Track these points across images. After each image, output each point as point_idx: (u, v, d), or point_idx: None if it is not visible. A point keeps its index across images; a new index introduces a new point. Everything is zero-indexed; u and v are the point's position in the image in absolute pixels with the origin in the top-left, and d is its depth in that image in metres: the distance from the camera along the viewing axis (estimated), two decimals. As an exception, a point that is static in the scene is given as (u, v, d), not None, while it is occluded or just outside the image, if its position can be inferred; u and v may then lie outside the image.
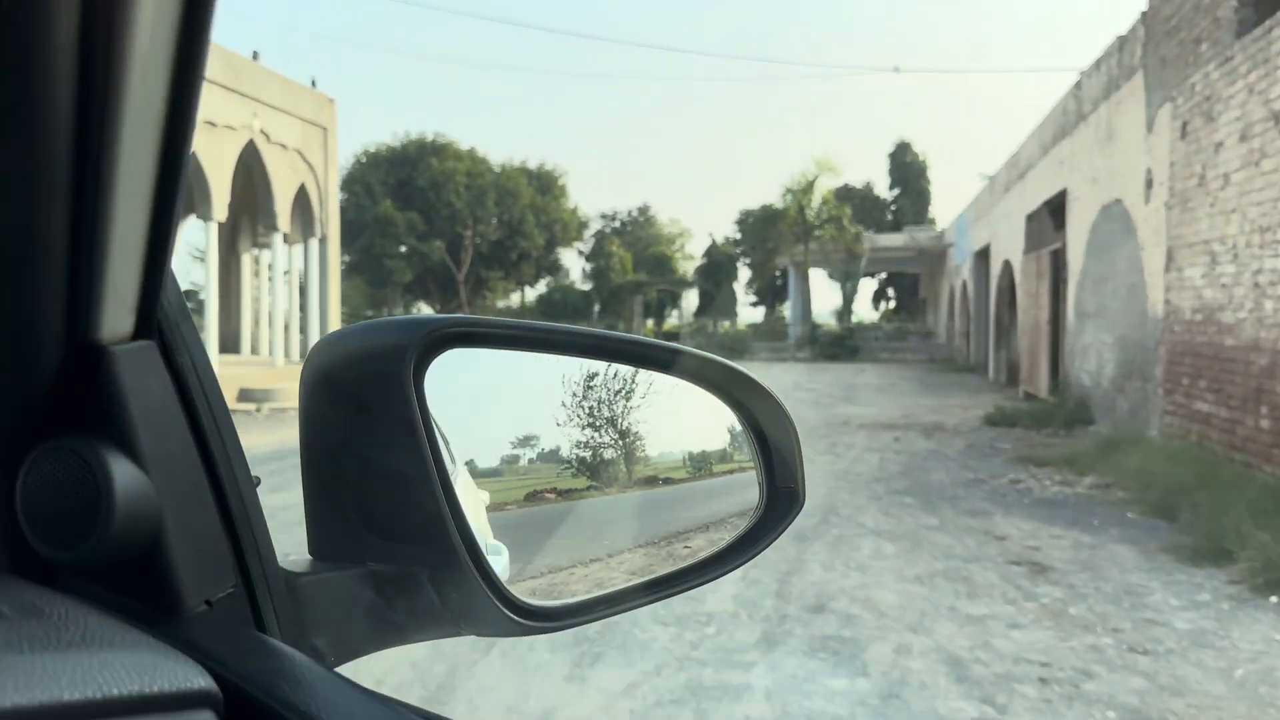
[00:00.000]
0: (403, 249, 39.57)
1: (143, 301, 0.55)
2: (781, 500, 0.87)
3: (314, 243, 19.17)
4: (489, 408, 0.80)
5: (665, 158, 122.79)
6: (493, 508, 0.75)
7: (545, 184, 44.32)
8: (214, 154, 15.36)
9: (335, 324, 19.67)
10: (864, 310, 54.05)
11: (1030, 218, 18.72)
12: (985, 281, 27.08)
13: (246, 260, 22.75)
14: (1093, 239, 14.29)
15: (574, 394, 0.79)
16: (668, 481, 0.87)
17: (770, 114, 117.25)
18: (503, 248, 41.36)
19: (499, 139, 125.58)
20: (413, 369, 0.66)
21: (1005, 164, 21.51)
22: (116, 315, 0.54)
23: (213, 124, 15.21)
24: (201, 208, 15.49)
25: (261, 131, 16.63)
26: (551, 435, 0.78)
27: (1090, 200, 14.39)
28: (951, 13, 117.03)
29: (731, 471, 0.90)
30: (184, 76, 0.45)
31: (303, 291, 19.72)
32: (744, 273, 49.96)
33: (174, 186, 0.49)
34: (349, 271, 42.01)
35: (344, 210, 41.07)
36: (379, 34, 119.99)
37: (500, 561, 0.72)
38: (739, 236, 48.71)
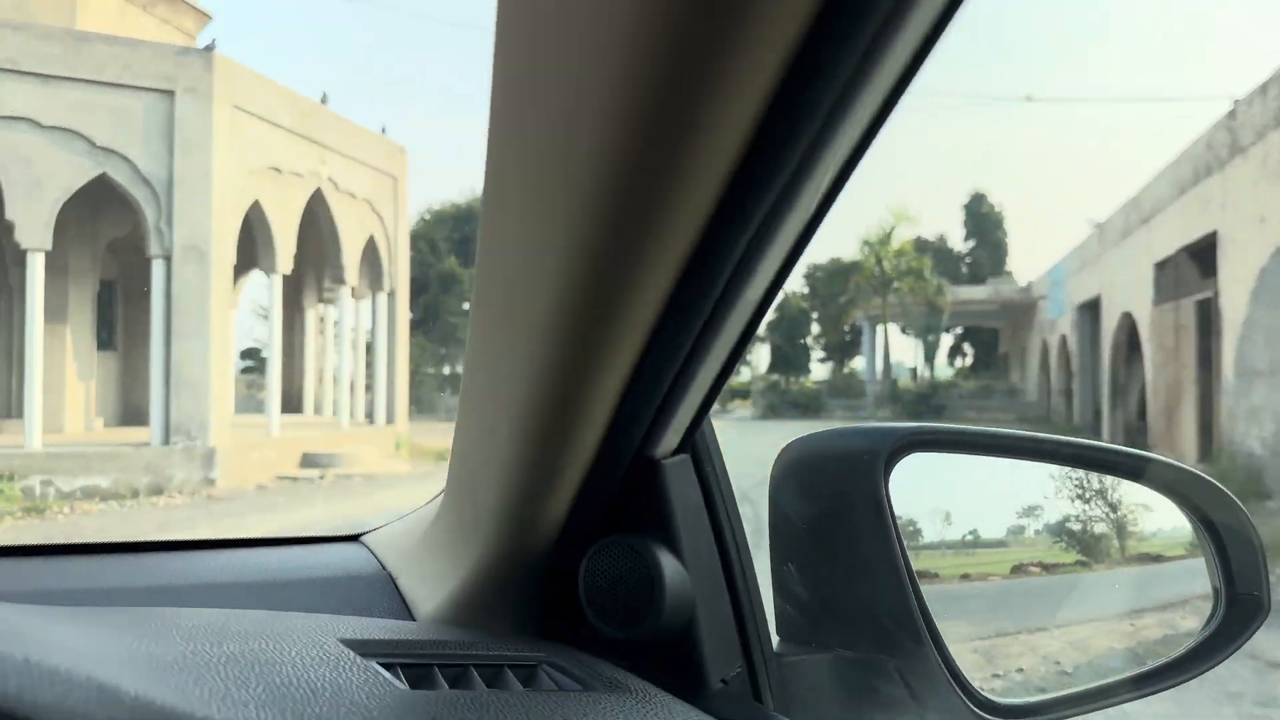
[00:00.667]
0: (465, 306, 38.61)
1: (691, 424, 0.68)
2: (1243, 606, 0.85)
3: (382, 297, 17.94)
4: (952, 505, 0.87)
5: None
6: (975, 577, 0.85)
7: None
8: (279, 202, 14.22)
9: (403, 384, 18.37)
10: (938, 366, 51.91)
11: (1162, 265, 16.85)
12: (1093, 335, 25.02)
13: (311, 316, 21.66)
14: (1262, 286, 12.43)
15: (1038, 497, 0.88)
16: (1158, 558, 0.93)
17: None
18: (567, 303, 40.26)
19: None
20: (883, 470, 0.76)
21: (1122, 208, 19.69)
22: (671, 435, 0.66)
23: (278, 170, 14.10)
24: (265, 260, 14.33)
25: (330, 179, 15.51)
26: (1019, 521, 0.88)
27: (1256, 242, 12.56)
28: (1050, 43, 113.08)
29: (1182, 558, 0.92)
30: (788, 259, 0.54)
31: (369, 349, 18.47)
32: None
33: (746, 341, 0.59)
34: (413, 328, 41.12)
35: (409, 268, 40.43)
36: (449, 84, 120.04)
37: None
38: (806, 290, 47.14)
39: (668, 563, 0.64)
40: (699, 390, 0.61)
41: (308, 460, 14.69)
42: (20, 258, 13.99)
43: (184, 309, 12.35)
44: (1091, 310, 24.61)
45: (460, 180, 51.45)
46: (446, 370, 38.95)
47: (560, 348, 0.52)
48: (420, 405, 36.24)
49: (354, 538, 1.03)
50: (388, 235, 17.72)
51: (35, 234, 11.55)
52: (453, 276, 37.64)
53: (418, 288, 39.22)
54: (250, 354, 39.69)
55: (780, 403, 34.17)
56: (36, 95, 11.43)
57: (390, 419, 17.94)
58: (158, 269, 12.39)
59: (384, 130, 17.69)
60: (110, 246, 15.27)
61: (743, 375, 46.94)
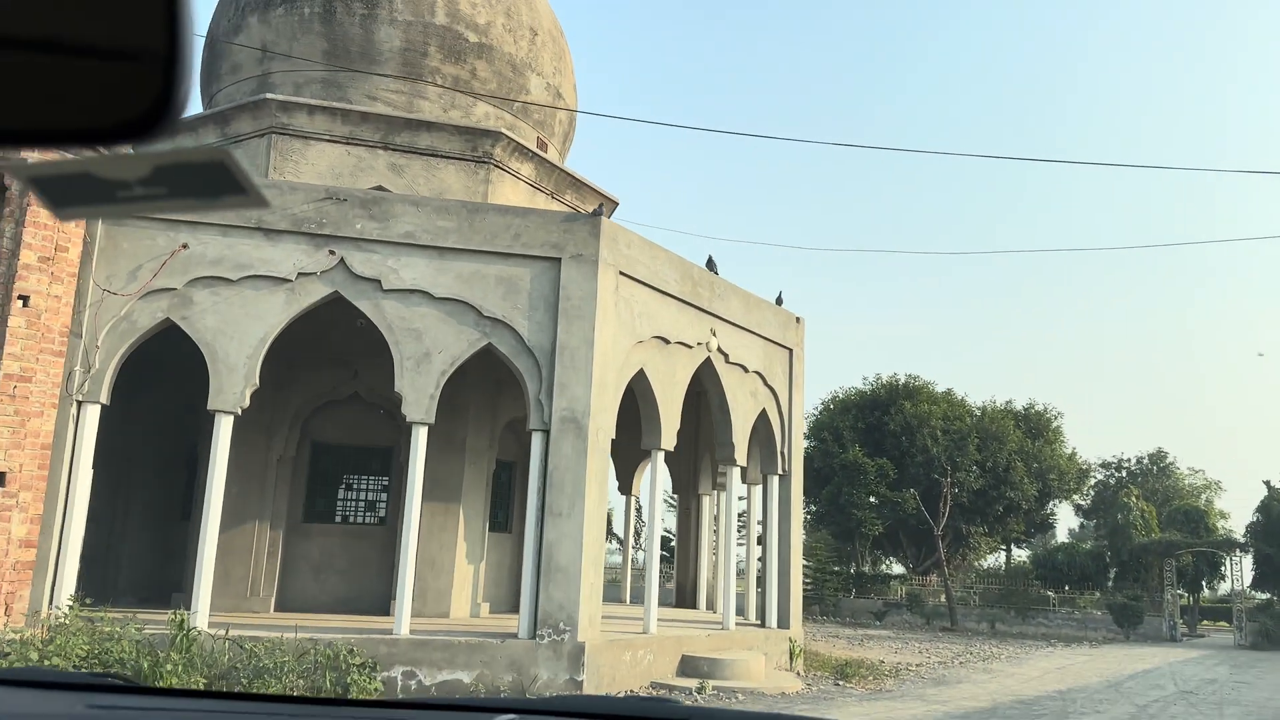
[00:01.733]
0: (872, 499, 35.53)
1: None
2: None
3: (774, 481, 15.92)
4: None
5: (1184, 396, 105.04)
6: None
7: (1035, 427, 38.22)
8: (665, 374, 12.97)
9: (797, 577, 15.90)
10: None
11: None
12: None
13: (706, 502, 20.21)
14: None
15: None
16: None
17: None
18: (986, 498, 35.54)
19: (979, 378, 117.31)
20: None
21: None
22: None
23: (665, 340, 12.92)
24: (650, 437, 13.00)
25: (720, 350, 14.13)
26: None
27: None
28: None
29: None
30: None
31: (761, 540, 16.36)
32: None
33: None
34: (815, 522, 38.71)
35: (810, 458, 38.40)
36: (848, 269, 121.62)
37: None
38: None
39: None
40: None
41: (687, 666, 12.60)
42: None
43: (558, 485, 11.17)
44: None
45: (863, 365, 49.47)
46: (852, 569, 35.68)
47: None
48: (823, 606, 33.18)
49: None
50: (781, 412, 15.85)
51: (421, 407, 11.13)
52: (857, 467, 34.96)
53: (821, 479, 37.03)
54: (663, 543, 39.78)
55: (1276, 628, 26.46)
56: (430, 266, 11.27)
57: (784, 621, 15.45)
58: (536, 443, 11.43)
59: (779, 300, 16.18)
60: (509, 425, 14.93)
61: (1216, 589, 38.13)
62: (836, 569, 35.01)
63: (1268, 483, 31.02)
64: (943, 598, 31.66)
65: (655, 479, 13.23)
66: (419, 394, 11.15)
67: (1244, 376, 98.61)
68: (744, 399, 15.01)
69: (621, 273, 12.06)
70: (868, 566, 38.72)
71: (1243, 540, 29.44)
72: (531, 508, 11.29)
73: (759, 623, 15.70)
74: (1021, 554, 42.98)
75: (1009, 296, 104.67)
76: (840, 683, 14.49)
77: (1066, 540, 44.96)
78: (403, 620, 10.78)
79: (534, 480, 11.33)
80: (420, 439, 11.22)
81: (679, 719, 1.41)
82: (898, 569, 39.60)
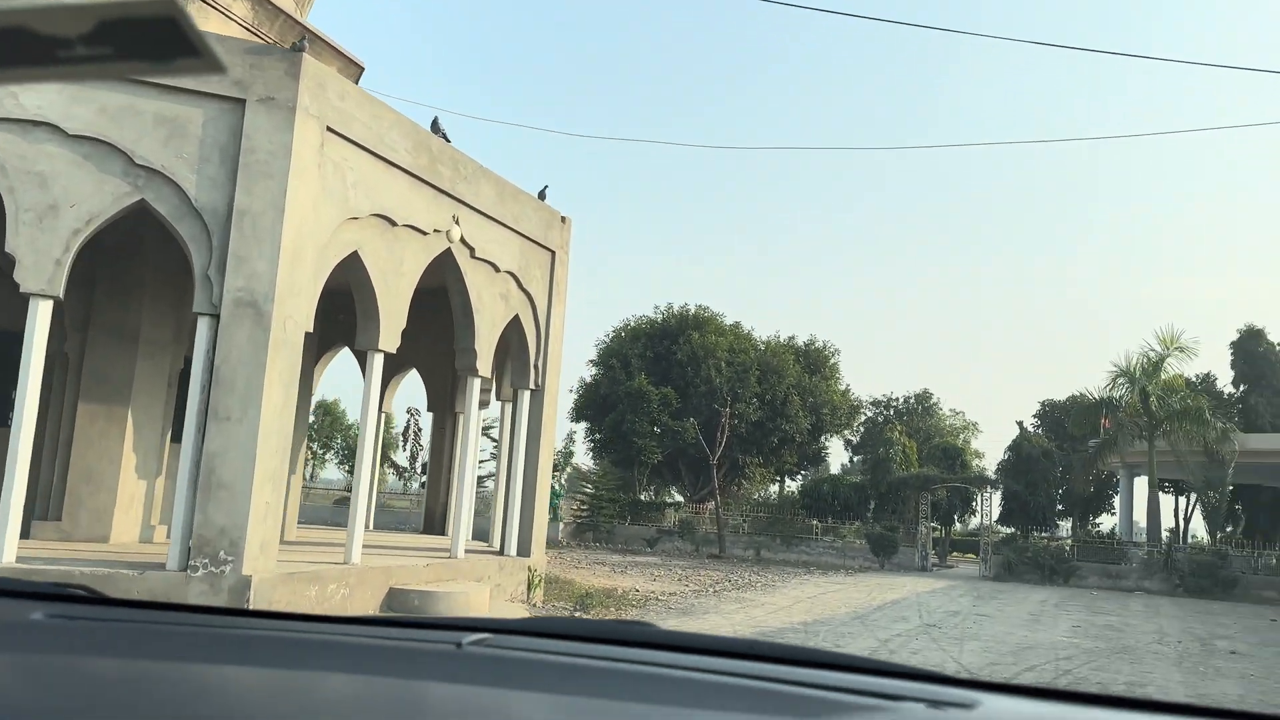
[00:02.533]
0: (656, 428, 34.77)
1: None
2: None
3: (526, 396, 14.21)
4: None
5: (949, 341, 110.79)
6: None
7: (814, 362, 38.58)
8: (388, 261, 10.84)
9: (543, 501, 14.35)
10: (1195, 531, 42.90)
11: None
12: None
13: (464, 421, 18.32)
14: None
15: None
16: None
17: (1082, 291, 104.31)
18: (763, 430, 35.55)
19: (767, 313, 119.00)
20: None
21: None
22: None
23: (390, 221, 10.76)
24: (366, 334, 10.88)
25: (464, 242, 12.11)
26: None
27: None
28: None
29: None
30: None
31: (510, 460, 14.67)
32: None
33: None
34: (599, 450, 37.71)
35: (598, 385, 37.23)
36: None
37: None
38: (1042, 433, 40.26)
39: None
40: None
41: (394, 601, 10.77)
42: (85, 322, 11.23)
43: (226, 383, 8.92)
44: None
45: (656, 295, 48.98)
46: (633, 496, 34.94)
47: None
48: (598, 533, 32.26)
49: None
50: (538, 321, 14.08)
51: (41, 274, 8.53)
52: (641, 395, 34.03)
53: (606, 406, 35.93)
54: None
55: (1018, 561, 27.69)
56: (64, 94, 8.59)
57: (524, 549, 13.89)
58: (203, 329, 9.09)
59: (544, 195, 14.29)
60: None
61: (966, 524, 40.21)
62: (615, 496, 34.14)
63: (1020, 424, 32.49)
64: (715, 526, 31.45)
65: (371, 386, 11.14)
66: (40, 257, 8.54)
67: (1002, 326, 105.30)
68: (492, 301, 13.12)
69: (330, 129, 9.76)
70: (648, 494, 38.23)
71: (994, 477, 30.71)
72: (192, 410, 9.00)
73: (498, 550, 14.06)
74: (795, 485, 43.87)
75: (803, 238, 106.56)
76: (578, 614, 13.15)
77: (838, 473, 46.30)
78: (3, 542, 8.30)
79: (197, 376, 9.02)
80: (41, 316, 8.63)
81: (655, 641, 1.31)
82: (680, 498, 39.34)
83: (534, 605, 13.48)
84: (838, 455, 49.13)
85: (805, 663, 1.24)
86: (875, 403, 47.51)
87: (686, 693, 1.10)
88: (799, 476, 39.62)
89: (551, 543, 30.37)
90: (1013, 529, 30.14)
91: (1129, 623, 17.02)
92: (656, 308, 38.65)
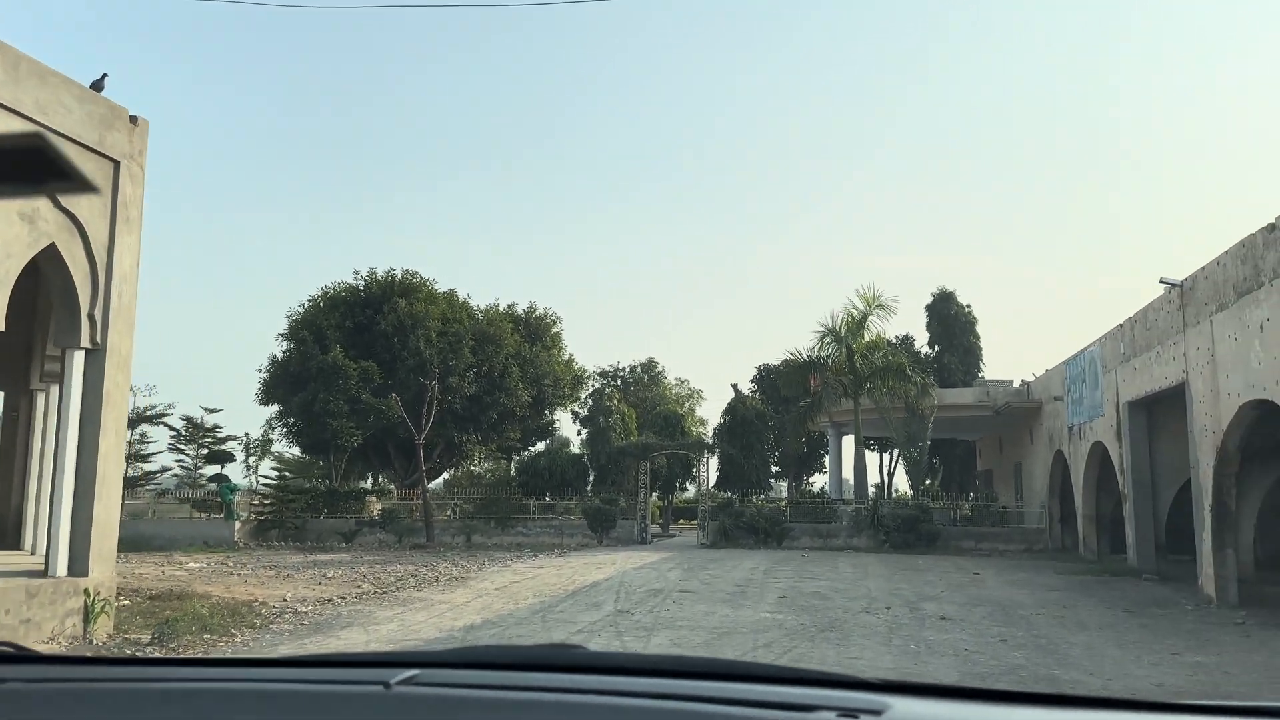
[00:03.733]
0: (355, 408, 30.81)
1: None
2: None
3: (78, 358, 10.39)
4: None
5: (673, 309, 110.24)
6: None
7: (535, 332, 36.11)
8: None
9: (111, 502, 10.60)
10: (902, 483, 44.84)
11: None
12: (1161, 442, 18.19)
13: (44, 401, 13.97)
14: None
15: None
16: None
17: (799, 264, 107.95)
18: (480, 405, 32.61)
19: (489, 283, 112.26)
20: None
21: (1233, 249, 13.06)
22: None
23: None
24: None
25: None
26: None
27: None
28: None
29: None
30: None
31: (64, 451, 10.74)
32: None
33: None
34: (294, 435, 33.17)
35: (288, 361, 32.70)
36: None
37: None
38: (757, 395, 40.18)
39: None
40: None
41: None
42: None
43: None
44: (1160, 407, 17.79)
45: (355, 259, 43.96)
46: (326, 486, 30.78)
47: None
48: (284, 530, 27.97)
49: None
50: (92, 256, 10.29)
51: None
52: (335, 369, 30.01)
53: (296, 384, 31.54)
54: None
55: (734, 526, 26.64)
56: None
57: (80, 567, 10.13)
58: None
59: (100, 86, 10.47)
60: None
61: (688, 492, 39.44)
62: (305, 487, 29.95)
63: (735, 386, 31.68)
64: (424, 513, 28.20)
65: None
66: None
67: (726, 295, 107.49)
68: (12, 230, 9.24)
69: None
70: (351, 482, 34.22)
71: (710, 442, 29.62)
72: None
73: (42, 571, 10.18)
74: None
75: (525, 202, 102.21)
76: (155, 643, 9.68)
77: (558, 448, 44.27)
78: None
79: None
80: None
81: (583, 665, 1.39)
82: (392, 485, 35.57)
83: (91, 640, 9.80)
84: (570, 430, 47.04)
85: (725, 676, 1.32)
86: (602, 373, 45.92)
87: (615, 717, 1.16)
88: (527, 453, 37.05)
89: (225, 544, 25.92)
90: (730, 493, 29.22)
91: (837, 588, 15.75)
92: (357, 273, 34.54)
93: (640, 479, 28.31)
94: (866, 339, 29.20)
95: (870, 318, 28.87)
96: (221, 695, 1.28)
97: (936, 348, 42.55)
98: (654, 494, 32.28)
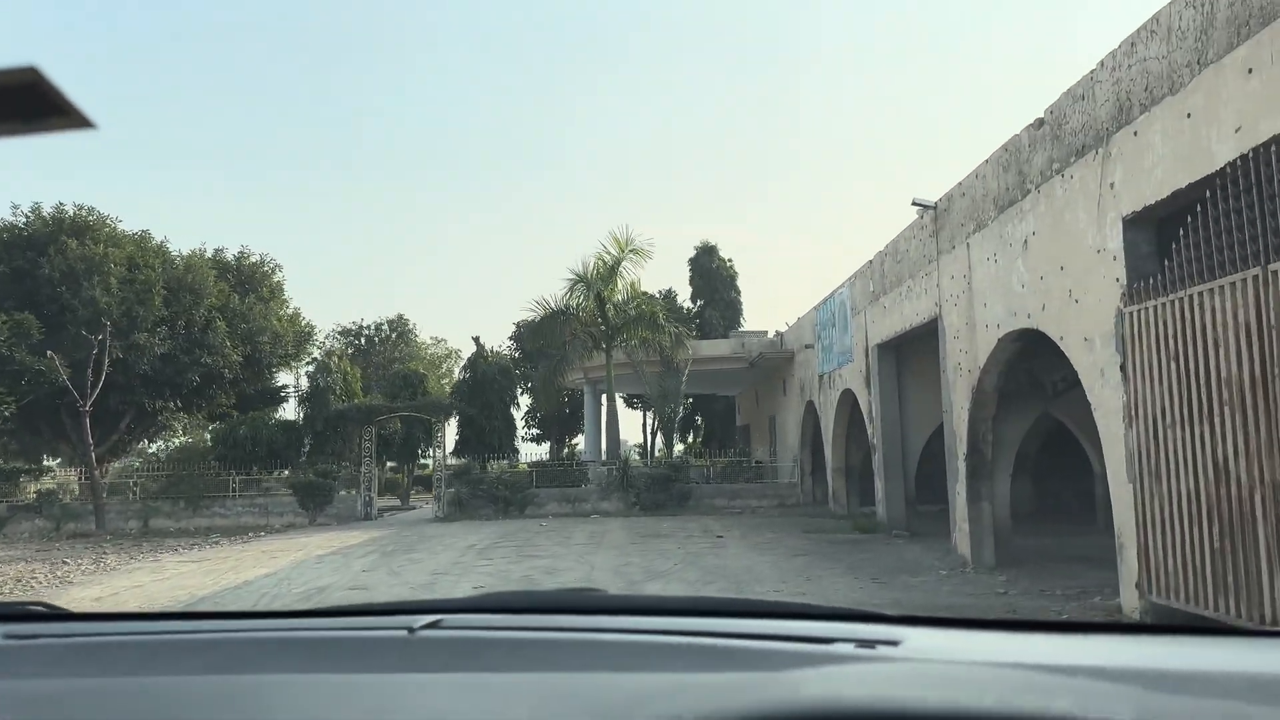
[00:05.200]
0: (14, 368, 24.82)
1: None
2: None
3: None
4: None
5: (429, 265, 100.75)
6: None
7: (249, 281, 30.99)
8: None
9: None
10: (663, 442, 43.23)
11: (1136, 224, 8.17)
12: (912, 388, 16.59)
13: None
14: None
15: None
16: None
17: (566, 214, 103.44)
18: (176, 365, 27.34)
19: (197, 227, 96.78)
20: None
21: (994, 156, 11.13)
22: None
23: None
24: None
25: None
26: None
27: None
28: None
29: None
30: None
31: None
32: (525, 400, 38.03)
33: None
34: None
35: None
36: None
37: None
38: (518, 355, 37.02)
39: None
40: None
41: None
42: None
43: None
44: (910, 348, 16.12)
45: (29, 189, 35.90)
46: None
47: None
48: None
49: None
50: None
51: None
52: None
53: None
54: None
55: (471, 495, 23.39)
56: None
57: None
58: None
59: None
60: None
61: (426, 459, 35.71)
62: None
63: (477, 339, 28.22)
64: (92, 493, 22.96)
65: None
66: None
67: (487, 251, 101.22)
68: None
69: None
70: (8, 460, 27.97)
71: (448, 402, 26.12)
72: None
73: None
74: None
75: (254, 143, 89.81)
76: None
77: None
78: None
79: None
80: None
81: (604, 607, 1.44)
82: (52, 463, 29.52)
83: None
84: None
85: (743, 613, 1.37)
86: (344, 331, 41.07)
87: (636, 657, 1.14)
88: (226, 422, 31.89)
89: None
90: (470, 459, 25.90)
91: (555, 568, 12.89)
92: (16, 208, 28.10)
93: (365, 446, 24.38)
94: (621, 287, 26.61)
95: (624, 264, 26.27)
96: (248, 644, 1.30)
97: (699, 302, 41.02)
98: (389, 463, 28.45)
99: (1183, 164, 7.34)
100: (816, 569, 12.33)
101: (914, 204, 13.44)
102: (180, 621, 1.52)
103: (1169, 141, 7.53)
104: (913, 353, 16.20)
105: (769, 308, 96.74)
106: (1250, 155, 6.49)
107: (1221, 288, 6.81)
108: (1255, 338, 6.48)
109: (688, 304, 40.84)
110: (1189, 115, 7.25)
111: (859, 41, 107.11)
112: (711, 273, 41.12)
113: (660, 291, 40.68)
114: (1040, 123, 9.92)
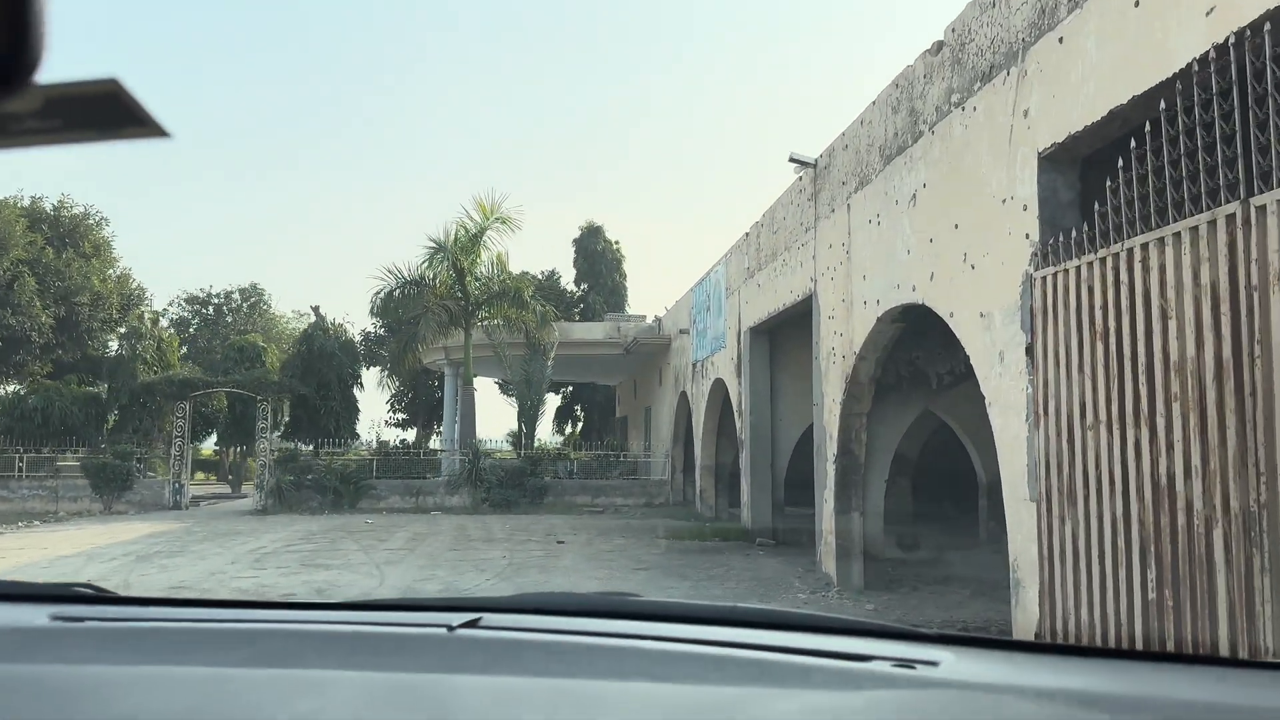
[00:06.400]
0: None
1: None
2: None
3: None
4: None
5: (295, 232, 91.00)
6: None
7: (68, 235, 27.10)
8: None
9: None
10: (545, 433, 40.71)
11: (1055, 162, 6.18)
12: (786, 378, 14.59)
13: None
14: None
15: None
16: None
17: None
18: (-33, 326, 23.45)
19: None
20: None
21: (882, 96, 9.10)
22: None
23: None
24: None
25: None
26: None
27: None
28: None
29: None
30: None
31: None
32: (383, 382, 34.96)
33: None
34: None
35: None
36: None
37: None
38: (382, 331, 33.95)
39: None
40: None
41: None
42: None
43: None
44: (785, 332, 14.08)
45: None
46: None
47: None
48: None
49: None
50: None
51: None
52: None
53: None
54: None
55: (297, 485, 20.46)
56: None
57: None
58: None
59: None
60: None
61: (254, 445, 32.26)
62: None
63: (316, 309, 25.11)
64: None
65: None
66: None
67: (353, 224, 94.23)
68: None
69: None
70: None
71: (275, 379, 23.05)
72: None
73: None
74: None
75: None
76: None
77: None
78: None
79: None
80: None
81: (641, 613, 1.44)
82: None
83: None
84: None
85: (779, 625, 1.32)
86: (191, 299, 37.07)
87: (673, 666, 1.13)
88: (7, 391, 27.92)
89: None
90: (300, 444, 22.93)
91: (337, 582, 10.32)
92: None
93: (178, 424, 21.12)
94: (485, 259, 23.99)
95: (490, 234, 23.64)
96: (292, 636, 1.30)
97: (583, 286, 38.63)
98: (203, 445, 25.18)
99: (1126, 71, 5.32)
100: (655, 586, 10.14)
101: (791, 160, 11.33)
102: (228, 610, 1.51)
103: (1108, 44, 5.51)
104: (787, 338, 14.19)
105: (661, 295, 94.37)
106: (1230, 43, 4.48)
107: (1177, 235, 4.80)
108: (1225, 305, 4.47)
109: (571, 287, 38.45)
110: (1137, 3, 5.24)
111: (745, 9, 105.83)
112: (596, 255, 38.73)
113: (543, 272, 38.20)
114: (939, 46, 7.88)
